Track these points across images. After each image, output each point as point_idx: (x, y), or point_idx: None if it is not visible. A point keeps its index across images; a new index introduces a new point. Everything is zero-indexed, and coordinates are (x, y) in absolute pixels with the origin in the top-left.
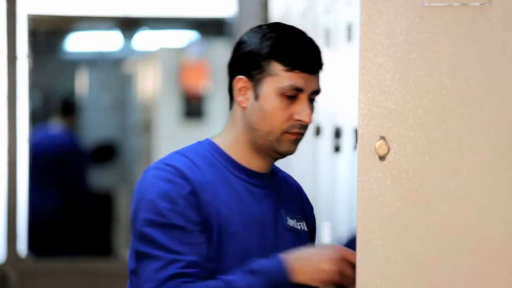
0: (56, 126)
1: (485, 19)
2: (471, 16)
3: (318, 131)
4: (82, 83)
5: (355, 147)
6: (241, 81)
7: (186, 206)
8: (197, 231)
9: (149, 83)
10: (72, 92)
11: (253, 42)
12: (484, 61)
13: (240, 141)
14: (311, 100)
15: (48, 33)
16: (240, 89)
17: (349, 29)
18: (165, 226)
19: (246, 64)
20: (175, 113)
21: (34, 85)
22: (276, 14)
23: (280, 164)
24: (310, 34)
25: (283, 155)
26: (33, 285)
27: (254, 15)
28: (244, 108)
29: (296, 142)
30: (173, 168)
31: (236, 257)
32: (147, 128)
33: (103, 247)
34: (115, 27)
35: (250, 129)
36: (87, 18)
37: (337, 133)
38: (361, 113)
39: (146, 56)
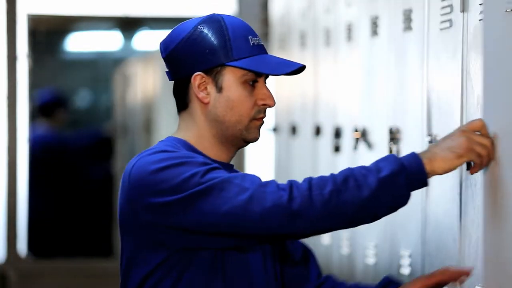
0: (42, 127)
1: None
2: None
3: (318, 131)
4: (82, 83)
5: (355, 147)
6: (198, 77)
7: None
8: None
9: (149, 83)
10: (72, 92)
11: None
12: None
13: (205, 136)
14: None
15: (48, 33)
16: (199, 86)
17: (349, 29)
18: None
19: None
20: (175, 113)
21: (34, 85)
22: (276, 14)
23: (281, 164)
24: (310, 34)
25: (249, 142)
26: (33, 285)
27: (254, 15)
28: (206, 103)
29: (260, 128)
30: (165, 150)
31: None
32: (147, 128)
33: (103, 247)
34: (115, 27)
35: (217, 122)
36: (87, 18)
37: (337, 133)
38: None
39: (146, 56)
